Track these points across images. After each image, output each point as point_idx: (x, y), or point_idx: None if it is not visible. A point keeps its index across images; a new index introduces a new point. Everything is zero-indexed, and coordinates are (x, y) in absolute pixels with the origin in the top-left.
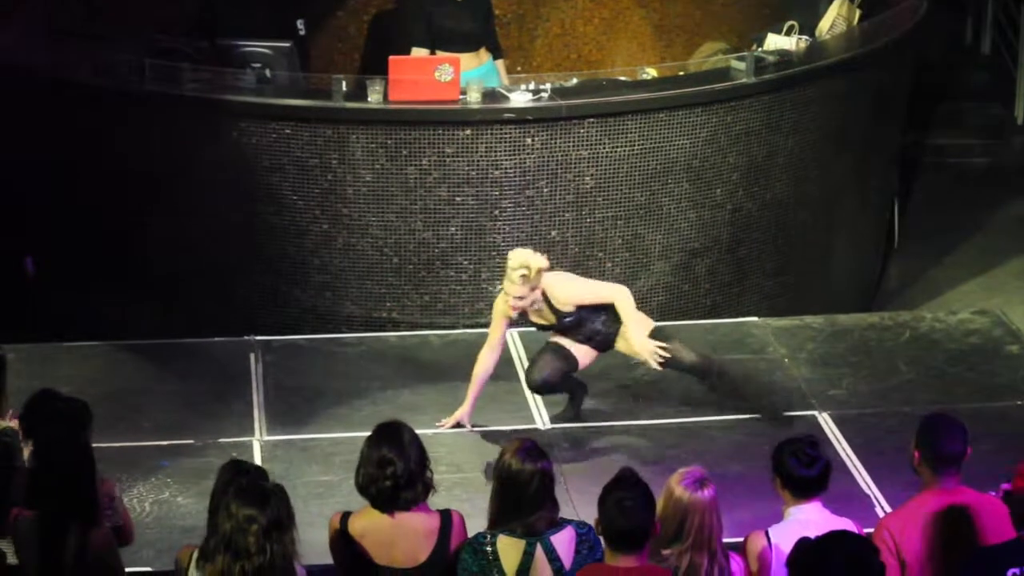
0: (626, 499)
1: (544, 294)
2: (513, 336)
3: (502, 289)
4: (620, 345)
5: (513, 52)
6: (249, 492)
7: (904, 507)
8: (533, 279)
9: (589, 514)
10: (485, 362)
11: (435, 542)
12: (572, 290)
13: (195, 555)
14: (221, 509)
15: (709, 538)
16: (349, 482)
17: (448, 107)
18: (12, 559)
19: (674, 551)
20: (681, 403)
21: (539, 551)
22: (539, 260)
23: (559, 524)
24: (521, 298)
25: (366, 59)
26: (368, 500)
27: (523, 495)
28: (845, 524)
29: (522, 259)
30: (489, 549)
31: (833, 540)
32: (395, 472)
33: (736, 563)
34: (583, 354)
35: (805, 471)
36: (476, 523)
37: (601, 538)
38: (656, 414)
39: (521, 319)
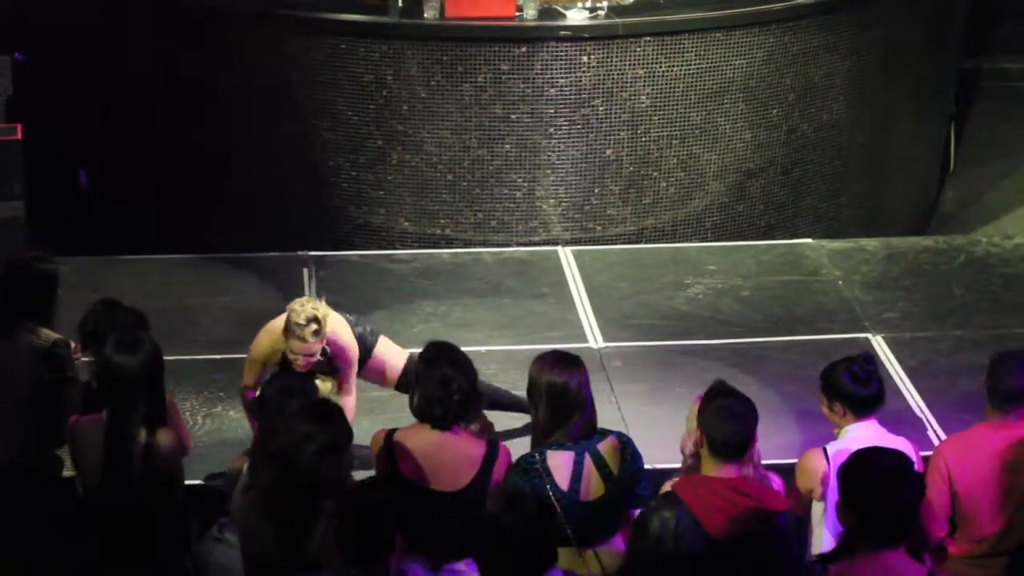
0: (735, 406)
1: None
2: (567, 254)
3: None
4: None
5: None
6: (311, 410)
7: (964, 437)
8: (323, 334)
9: (639, 431)
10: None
11: (478, 469)
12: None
13: (247, 465)
14: (280, 423)
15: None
16: (399, 397)
17: (504, 24)
18: (67, 471)
19: None
20: (735, 324)
21: (587, 459)
22: (327, 310)
23: (602, 432)
24: (311, 355)
25: None
26: (430, 421)
27: (567, 403)
28: (901, 443)
29: (311, 311)
30: (539, 467)
31: (868, 455)
32: (460, 387)
33: (776, 479)
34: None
35: (864, 389)
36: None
37: (702, 449)
38: (710, 334)
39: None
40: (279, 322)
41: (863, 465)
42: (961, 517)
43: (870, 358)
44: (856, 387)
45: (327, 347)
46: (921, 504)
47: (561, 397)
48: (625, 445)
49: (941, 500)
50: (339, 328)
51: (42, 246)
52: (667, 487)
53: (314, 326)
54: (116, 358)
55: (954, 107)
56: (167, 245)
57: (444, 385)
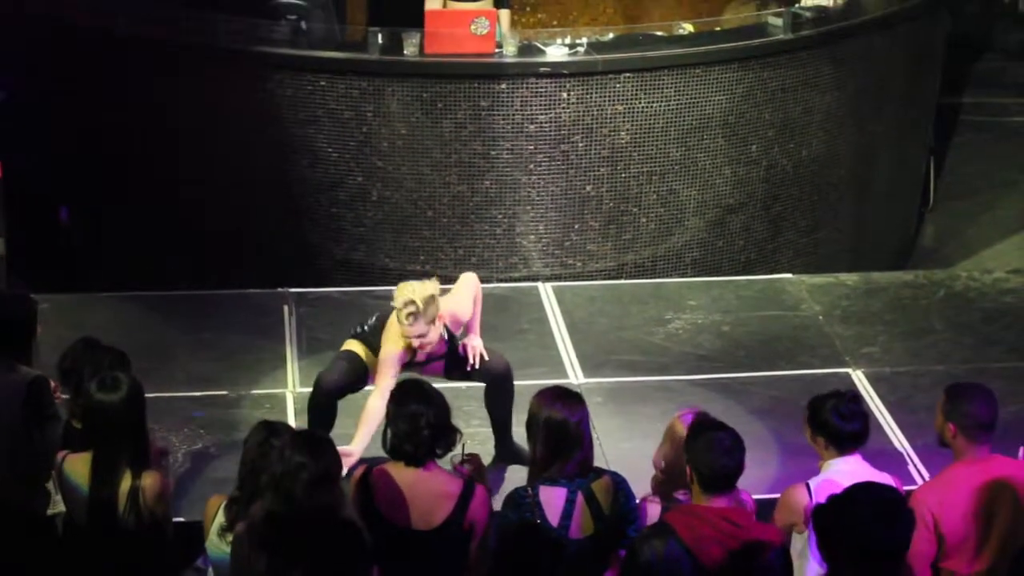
0: (724, 439)
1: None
2: (547, 290)
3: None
4: None
5: (550, 7)
6: (304, 440)
7: (940, 480)
8: (427, 313)
9: (619, 467)
10: (377, 413)
11: (452, 507)
12: (459, 306)
13: (223, 504)
14: (274, 452)
15: None
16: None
17: (484, 60)
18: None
19: (686, 492)
20: (716, 359)
21: (580, 497)
22: (425, 288)
23: (597, 471)
24: (422, 336)
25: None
26: (403, 459)
27: (565, 440)
28: (885, 479)
29: (406, 294)
30: (531, 501)
31: (860, 489)
32: (429, 422)
33: (747, 495)
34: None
35: (848, 426)
36: (511, 475)
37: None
38: (690, 369)
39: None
40: (394, 318)
41: (852, 500)
42: (948, 562)
43: (856, 396)
44: (840, 423)
45: (446, 326)
46: (912, 538)
47: (559, 433)
48: (619, 485)
49: (925, 549)
50: (446, 303)
51: (21, 283)
52: (648, 510)
53: (410, 308)
54: (98, 398)
55: (933, 142)
56: (147, 282)
57: (413, 421)
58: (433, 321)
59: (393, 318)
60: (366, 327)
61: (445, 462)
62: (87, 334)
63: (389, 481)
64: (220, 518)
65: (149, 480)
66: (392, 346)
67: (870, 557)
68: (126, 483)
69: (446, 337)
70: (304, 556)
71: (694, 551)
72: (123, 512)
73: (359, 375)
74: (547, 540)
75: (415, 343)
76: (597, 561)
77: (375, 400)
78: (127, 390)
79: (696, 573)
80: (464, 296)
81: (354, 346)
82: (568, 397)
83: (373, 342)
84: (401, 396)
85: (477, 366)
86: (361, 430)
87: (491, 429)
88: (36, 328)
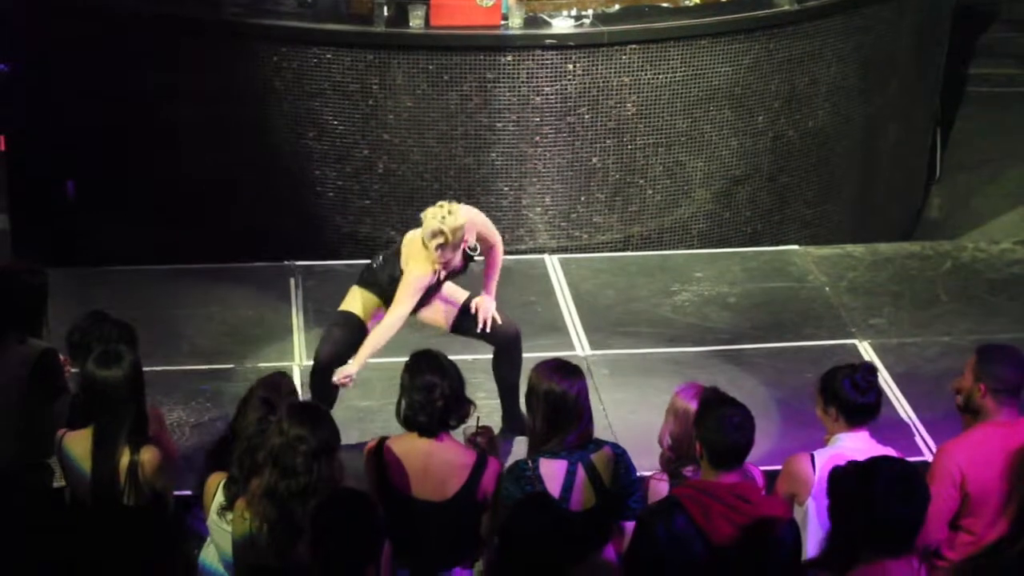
0: (735, 415)
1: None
2: (554, 262)
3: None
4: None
5: None
6: (301, 412)
7: (969, 439)
8: (454, 240)
9: (626, 439)
10: (384, 334)
11: (466, 478)
12: (487, 228)
13: (222, 483)
14: (272, 426)
15: None
16: (388, 408)
17: (489, 32)
18: (59, 480)
19: (694, 468)
20: (722, 330)
21: (580, 469)
22: (456, 220)
23: (597, 443)
24: (449, 260)
25: None
26: (416, 429)
27: (565, 412)
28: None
29: (434, 225)
30: (531, 474)
31: (879, 462)
32: (443, 393)
33: (756, 470)
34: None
35: (862, 398)
36: (515, 448)
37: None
38: (697, 340)
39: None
40: (417, 238)
41: (871, 473)
42: (969, 519)
43: (872, 368)
44: (854, 395)
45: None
46: (927, 513)
47: (559, 406)
48: (619, 457)
49: (948, 505)
50: (475, 219)
51: (28, 257)
52: (654, 487)
53: (438, 239)
54: (98, 373)
55: (940, 113)
56: (153, 256)
57: (427, 391)
58: (459, 245)
59: (418, 240)
60: (376, 264)
61: (458, 434)
62: (95, 307)
63: (402, 452)
64: (220, 497)
65: (148, 455)
66: (418, 269)
67: (885, 530)
68: (125, 458)
69: (468, 250)
70: (309, 530)
71: (704, 527)
72: (123, 487)
73: (356, 336)
74: (555, 513)
75: (440, 266)
76: (598, 533)
77: (387, 320)
78: (128, 366)
79: (706, 549)
80: (492, 228)
81: (353, 300)
82: (567, 369)
83: (382, 278)
84: (416, 367)
85: (488, 329)
86: (363, 351)
87: (499, 399)
88: (47, 300)
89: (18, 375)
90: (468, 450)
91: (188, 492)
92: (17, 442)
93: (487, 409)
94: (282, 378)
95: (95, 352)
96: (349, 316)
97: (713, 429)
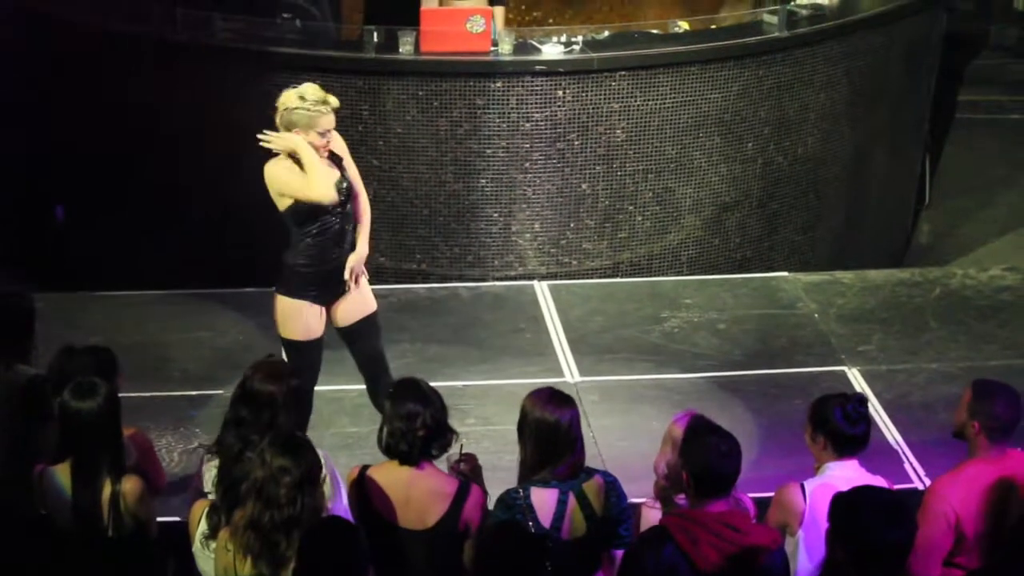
0: (721, 444)
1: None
2: (543, 288)
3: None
4: None
5: (546, 3)
6: (284, 443)
7: (961, 477)
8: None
9: (615, 466)
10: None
11: (447, 507)
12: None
13: (206, 510)
14: (255, 456)
15: None
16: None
17: (479, 59)
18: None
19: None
20: (712, 357)
21: (571, 498)
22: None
23: (588, 472)
24: (327, 132)
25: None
26: (398, 458)
27: (556, 442)
28: (880, 484)
29: (311, 94)
30: (522, 503)
31: (864, 492)
32: (425, 422)
33: (747, 498)
34: None
35: (852, 429)
36: (505, 475)
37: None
38: (686, 367)
39: None
40: (281, 156)
41: (859, 501)
42: (963, 557)
43: (863, 399)
44: (845, 425)
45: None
46: (913, 541)
47: (551, 435)
48: (611, 485)
49: (941, 542)
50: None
51: (15, 282)
52: (646, 514)
53: (321, 108)
54: (73, 404)
55: (929, 139)
56: (142, 281)
57: (409, 420)
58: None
59: (278, 163)
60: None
61: (441, 462)
62: (79, 335)
63: (384, 481)
64: (203, 525)
65: (129, 484)
66: (288, 173)
67: (875, 557)
68: (107, 489)
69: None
70: (295, 559)
71: (691, 555)
72: (106, 519)
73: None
74: (529, 538)
75: (320, 141)
76: (588, 561)
77: (313, 196)
78: (103, 397)
79: None
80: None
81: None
82: (560, 399)
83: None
84: (399, 395)
85: (354, 287)
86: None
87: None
88: (34, 326)
89: (5, 402)
90: (450, 478)
91: (175, 518)
92: (4, 467)
93: (475, 436)
94: (281, 364)
95: (71, 384)
96: (289, 343)
97: (699, 457)
